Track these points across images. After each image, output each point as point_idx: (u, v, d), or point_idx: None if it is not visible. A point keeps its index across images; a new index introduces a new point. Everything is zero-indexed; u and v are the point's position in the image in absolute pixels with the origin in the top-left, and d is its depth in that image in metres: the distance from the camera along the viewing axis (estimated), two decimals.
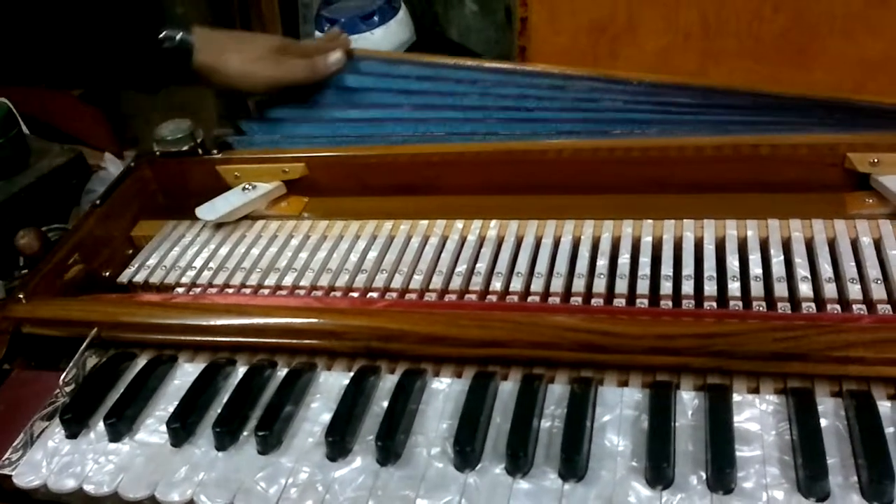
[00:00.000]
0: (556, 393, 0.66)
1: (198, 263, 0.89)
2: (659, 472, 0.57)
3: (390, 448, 0.62)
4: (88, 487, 0.66)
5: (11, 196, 1.63)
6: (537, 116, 0.98)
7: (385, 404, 0.67)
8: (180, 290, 0.87)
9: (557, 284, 0.78)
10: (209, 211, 0.94)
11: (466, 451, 0.61)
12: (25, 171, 1.68)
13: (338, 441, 0.64)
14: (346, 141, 1.00)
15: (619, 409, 0.64)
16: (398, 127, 1.01)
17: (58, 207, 1.67)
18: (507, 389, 0.67)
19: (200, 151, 1.01)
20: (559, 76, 1.05)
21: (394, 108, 1.06)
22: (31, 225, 0.96)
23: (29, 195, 1.65)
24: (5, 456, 0.70)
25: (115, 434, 0.70)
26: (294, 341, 0.74)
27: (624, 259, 0.79)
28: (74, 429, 0.71)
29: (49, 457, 0.69)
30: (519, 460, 0.60)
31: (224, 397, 0.71)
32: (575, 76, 1.04)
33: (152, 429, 0.70)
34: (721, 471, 0.56)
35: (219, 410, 0.69)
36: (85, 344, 0.77)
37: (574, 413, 0.63)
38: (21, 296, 0.82)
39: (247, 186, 0.96)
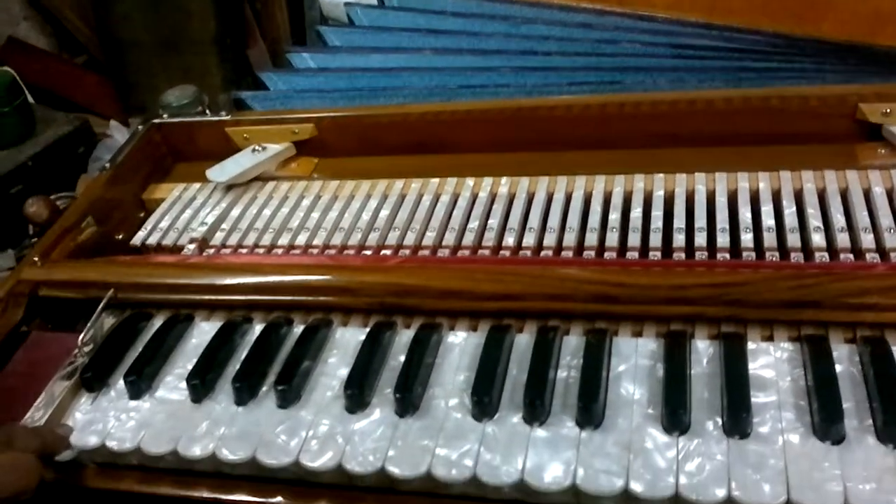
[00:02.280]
0: (572, 344, 0.67)
1: (210, 224, 0.89)
2: (675, 417, 0.58)
3: (408, 400, 0.63)
4: (111, 444, 0.67)
5: (19, 165, 1.64)
6: (553, 64, 0.98)
7: (402, 359, 0.68)
8: (193, 250, 0.87)
9: (570, 239, 0.78)
10: (219, 173, 0.94)
11: (484, 401, 0.61)
12: (32, 140, 1.69)
13: (356, 394, 0.64)
14: (359, 94, 1.00)
15: (635, 358, 0.65)
16: (413, 77, 1.01)
17: (65, 176, 1.68)
18: (523, 342, 0.68)
19: (209, 114, 1.01)
20: (591, 11, 1.04)
21: (414, 53, 1.06)
22: (38, 193, 0.97)
23: (36, 164, 1.66)
24: (28, 414, 0.70)
25: (136, 391, 0.70)
26: (309, 298, 0.74)
27: (636, 213, 0.79)
28: (95, 387, 0.72)
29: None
30: (536, 409, 0.60)
31: (242, 354, 0.72)
32: (606, 12, 1.04)
33: (172, 386, 0.71)
34: (737, 416, 0.57)
35: (237, 367, 0.70)
36: (102, 304, 0.77)
37: (590, 362, 0.63)
38: (36, 259, 0.83)
39: (256, 148, 0.96)
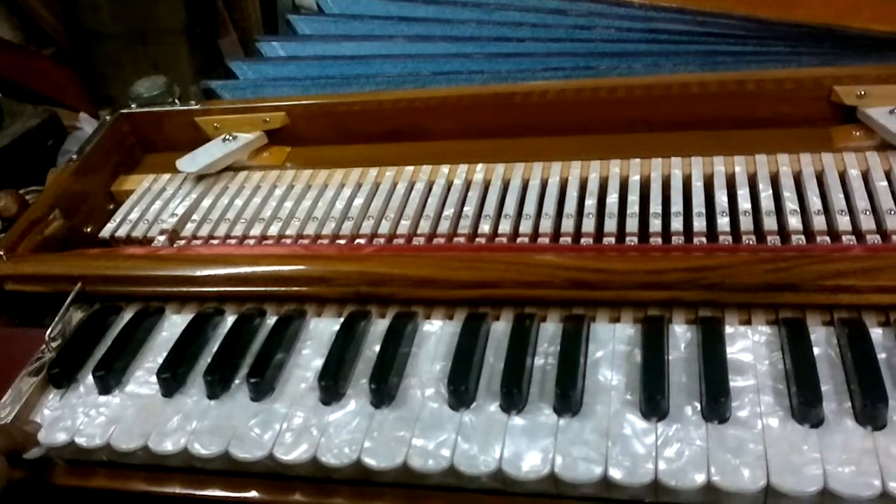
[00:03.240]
0: (549, 331, 0.66)
1: (180, 216, 0.88)
2: (653, 403, 0.57)
3: (384, 390, 0.62)
4: (80, 440, 0.65)
5: None
6: (527, 50, 0.97)
7: (377, 348, 0.67)
8: (163, 242, 0.85)
9: (546, 225, 0.77)
10: (190, 163, 0.92)
11: (461, 389, 0.61)
12: None
13: (331, 385, 0.63)
14: (331, 83, 0.99)
15: (612, 344, 0.64)
16: (387, 65, 1.00)
17: (33, 169, 1.64)
18: (500, 330, 0.67)
19: (178, 103, 0.99)
20: None
21: (386, 41, 1.05)
22: (6, 188, 0.94)
23: (3, 157, 1.62)
24: None
25: (105, 387, 0.69)
26: (282, 289, 0.73)
27: (612, 198, 0.78)
28: (63, 383, 0.70)
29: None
30: (513, 397, 0.60)
31: (213, 347, 0.71)
32: None
33: (142, 380, 0.70)
34: (716, 400, 0.56)
35: (209, 360, 0.69)
36: (70, 298, 0.76)
37: (567, 349, 0.62)
38: (2, 253, 0.81)
39: (227, 137, 0.95)
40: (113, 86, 1.76)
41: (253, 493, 0.63)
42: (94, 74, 1.80)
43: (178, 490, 0.64)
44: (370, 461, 0.59)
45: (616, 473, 0.55)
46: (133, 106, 1.01)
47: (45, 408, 0.70)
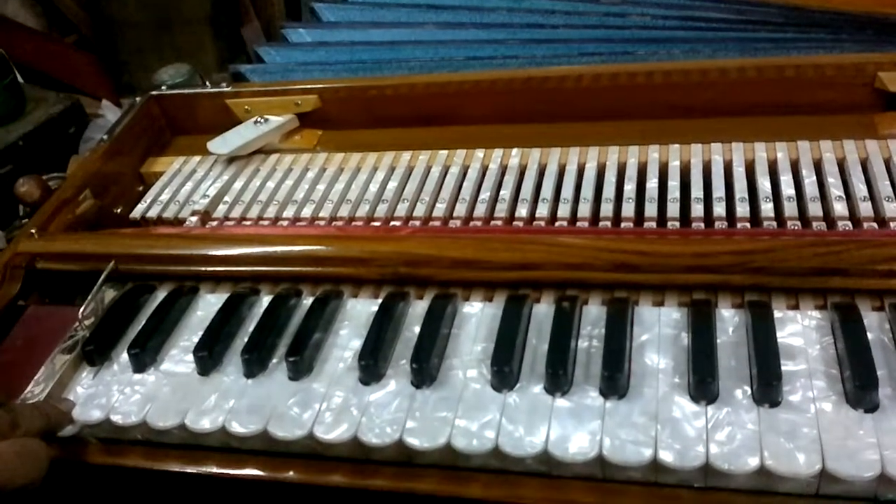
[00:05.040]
0: (592, 314, 0.65)
1: (212, 197, 0.87)
2: (704, 386, 0.56)
3: (425, 370, 0.61)
4: (115, 418, 0.65)
5: (9, 145, 1.60)
6: (561, 36, 0.96)
7: (416, 329, 0.66)
8: (195, 223, 0.84)
9: (585, 210, 0.76)
10: (221, 144, 0.92)
11: (505, 370, 0.59)
12: (21, 120, 1.65)
13: (371, 365, 0.62)
14: (362, 67, 0.98)
15: (658, 328, 0.63)
16: (418, 51, 0.98)
17: (56, 156, 1.64)
18: (542, 312, 0.66)
19: (209, 85, 0.98)
20: None
21: (416, 28, 1.03)
22: (29, 174, 0.94)
23: (26, 144, 1.62)
24: (28, 388, 0.68)
25: (140, 364, 0.68)
26: (319, 269, 0.72)
27: (652, 183, 0.77)
28: (97, 360, 0.69)
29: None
30: (559, 379, 0.59)
31: (249, 326, 0.70)
32: None
33: (177, 359, 0.69)
34: (768, 384, 0.55)
35: (245, 339, 0.68)
36: (103, 276, 0.75)
37: (613, 331, 0.61)
38: (33, 231, 0.80)
39: (259, 120, 0.94)
40: (136, 74, 1.76)
41: (291, 474, 0.61)
42: (116, 62, 1.80)
43: (214, 469, 0.63)
44: (413, 441, 0.58)
45: (666, 456, 0.53)
46: (163, 89, 1.00)
47: (78, 385, 0.69)
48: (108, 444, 0.67)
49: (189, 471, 0.64)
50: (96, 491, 0.75)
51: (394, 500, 0.61)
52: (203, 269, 0.75)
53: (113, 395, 0.66)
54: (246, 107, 0.96)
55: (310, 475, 0.61)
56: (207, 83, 0.99)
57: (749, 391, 0.57)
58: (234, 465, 0.63)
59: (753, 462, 0.52)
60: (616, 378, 0.57)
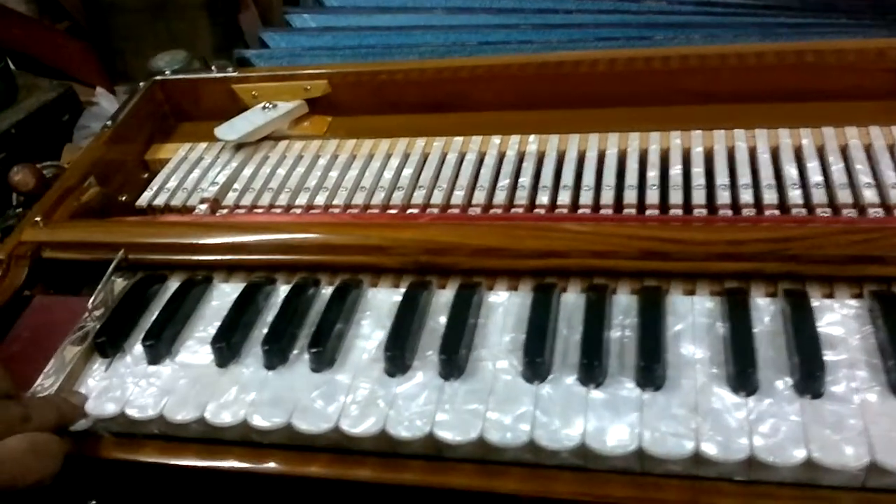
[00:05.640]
0: (622, 303, 0.63)
1: (221, 185, 0.85)
2: (745, 377, 0.55)
3: (454, 361, 0.59)
4: (131, 411, 0.62)
5: (1, 133, 1.56)
6: (576, 21, 0.94)
7: (441, 320, 0.64)
8: (204, 211, 0.82)
9: (608, 197, 0.74)
10: (229, 131, 0.89)
11: (537, 361, 0.58)
12: (14, 107, 1.61)
13: (398, 356, 0.60)
14: (371, 53, 0.95)
15: (692, 317, 0.61)
16: (428, 35, 0.96)
17: (49, 144, 1.61)
18: (570, 301, 0.64)
19: (214, 70, 0.96)
20: None
21: (425, 13, 1.01)
22: (22, 162, 0.91)
23: (19, 131, 1.59)
24: (37, 382, 0.66)
25: (155, 356, 0.66)
26: (337, 258, 0.70)
27: (676, 170, 0.76)
28: (109, 352, 0.67)
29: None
30: (594, 370, 0.57)
31: (267, 317, 0.68)
32: None
33: (193, 350, 0.66)
34: (811, 375, 0.54)
35: (263, 330, 0.66)
36: (113, 266, 0.73)
37: (648, 321, 0.59)
38: (38, 219, 0.78)
39: (267, 105, 0.92)
40: (130, 61, 1.72)
41: (314, 469, 0.59)
42: (110, 49, 1.77)
43: (234, 464, 0.61)
44: (444, 434, 0.56)
45: (709, 449, 0.52)
46: (167, 73, 0.97)
47: (89, 378, 0.67)
48: (122, 438, 0.65)
49: (208, 465, 0.62)
50: (103, 487, 0.73)
51: (418, 495, 0.60)
52: (216, 258, 0.73)
53: (128, 387, 0.64)
54: (253, 92, 0.93)
55: (334, 469, 0.59)
56: (213, 68, 0.96)
57: (790, 382, 0.55)
58: (255, 460, 0.61)
59: (800, 454, 0.51)
60: (654, 369, 0.56)
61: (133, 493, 0.72)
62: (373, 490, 0.60)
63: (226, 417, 0.60)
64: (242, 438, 0.62)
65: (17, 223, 0.96)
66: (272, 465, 0.60)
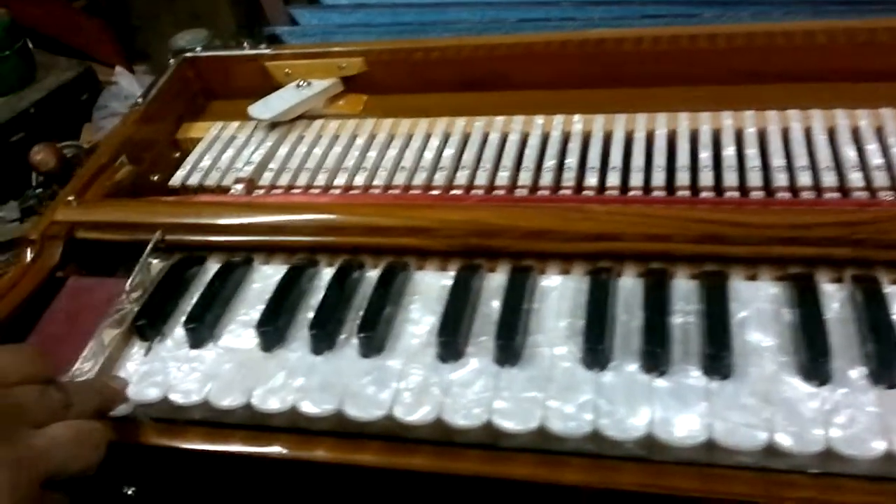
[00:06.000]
0: (681, 289, 0.61)
1: (257, 164, 0.82)
2: (818, 365, 0.52)
3: (511, 348, 0.57)
4: (174, 396, 0.60)
5: (20, 112, 1.55)
6: None
7: (494, 304, 0.62)
8: (240, 191, 0.80)
9: (659, 179, 0.72)
10: (263, 109, 0.87)
11: (598, 348, 0.56)
12: (33, 86, 1.60)
13: (451, 341, 0.58)
14: (407, 29, 0.93)
15: (756, 303, 0.59)
16: (464, 12, 0.94)
17: (68, 124, 1.59)
18: (627, 286, 0.62)
19: (246, 46, 0.94)
20: None
21: None
22: (40, 142, 0.89)
23: (38, 111, 1.57)
24: (77, 366, 0.64)
25: (197, 340, 0.64)
26: (382, 240, 0.68)
27: (729, 151, 0.73)
28: (149, 335, 0.65)
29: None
30: (658, 357, 0.55)
31: (311, 300, 0.66)
32: None
33: (236, 333, 0.64)
34: (889, 364, 0.51)
35: (308, 314, 0.64)
36: (150, 247, 0.71)
37: (713, 307, 0.57)
38: (71, 198, 0.76)
39: (301, 83, 0.89)
40: (148, 40, 1.70)
41: (366, 457, 0.57)
42: (129, 28, 1.74)
43: (282, 451, 0.59)
44: (504, 423, 0.54)
45: (784, 440, 0.50)
46: (198, 50, 0.95)
47: (128, 362, 0.65)
48: (164, 424, 0.63)
49: (254, 452, 0.60)
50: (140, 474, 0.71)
51: (472, 484, 0.58)
52: (257, 239, 0.71)
53: (170, 372, 0.62)
54: (287, 70, 0.91)
55: (386, 457, 0.57)
56: (245, 44, 0.94)
57: (864, 371, 0.53)
58: (303, 448, 0.58)
59: (880, 447, 0.49)
60: (722, 357, 0.54)
61: (172, 481, 0.71)
62: (423, 479, 0.58)
63: (274, 403, 0.58)
64: (290, 425, 0.59)
65: (37, 203, 0.94)
66: (321, 452, 0.58)
